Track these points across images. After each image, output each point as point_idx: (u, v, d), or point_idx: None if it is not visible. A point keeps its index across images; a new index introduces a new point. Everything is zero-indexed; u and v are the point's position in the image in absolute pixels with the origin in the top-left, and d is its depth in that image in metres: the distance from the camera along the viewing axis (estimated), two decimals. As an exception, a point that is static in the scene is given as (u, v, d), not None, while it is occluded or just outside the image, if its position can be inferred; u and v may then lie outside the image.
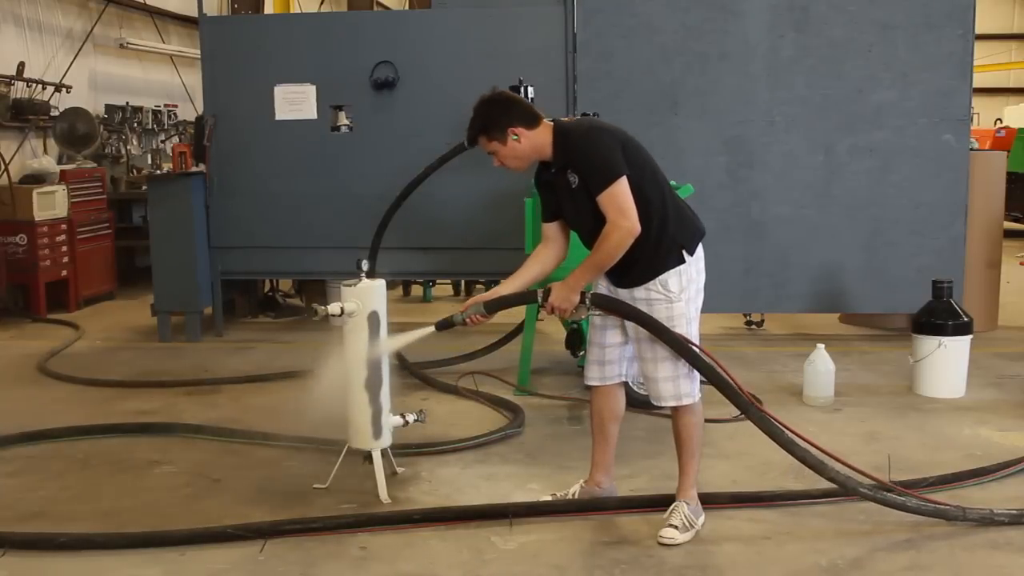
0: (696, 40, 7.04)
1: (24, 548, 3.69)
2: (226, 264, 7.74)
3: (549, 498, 4.09)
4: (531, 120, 3.75)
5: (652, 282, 3.72)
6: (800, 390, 5.71)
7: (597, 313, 3.82)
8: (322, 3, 15.65)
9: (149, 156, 10.63)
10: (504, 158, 3.79)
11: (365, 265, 4.24)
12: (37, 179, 9.03)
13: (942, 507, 3.76)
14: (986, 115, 20.74)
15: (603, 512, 3.98)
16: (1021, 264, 11.35)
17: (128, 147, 10.59)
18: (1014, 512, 3.79)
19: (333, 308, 4.12)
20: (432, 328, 3.95)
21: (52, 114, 9.65)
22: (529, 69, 6.77)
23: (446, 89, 7.26)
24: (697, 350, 3.69)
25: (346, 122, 7.47)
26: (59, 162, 9.65)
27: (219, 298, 7.79)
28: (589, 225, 3.69)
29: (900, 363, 6.15)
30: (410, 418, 4.39)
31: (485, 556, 3.64)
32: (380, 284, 4.24)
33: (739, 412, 3.74)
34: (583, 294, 3.72)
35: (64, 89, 9.96)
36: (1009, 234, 10.03)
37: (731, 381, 3.67)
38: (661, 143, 6.97)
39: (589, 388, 4.05)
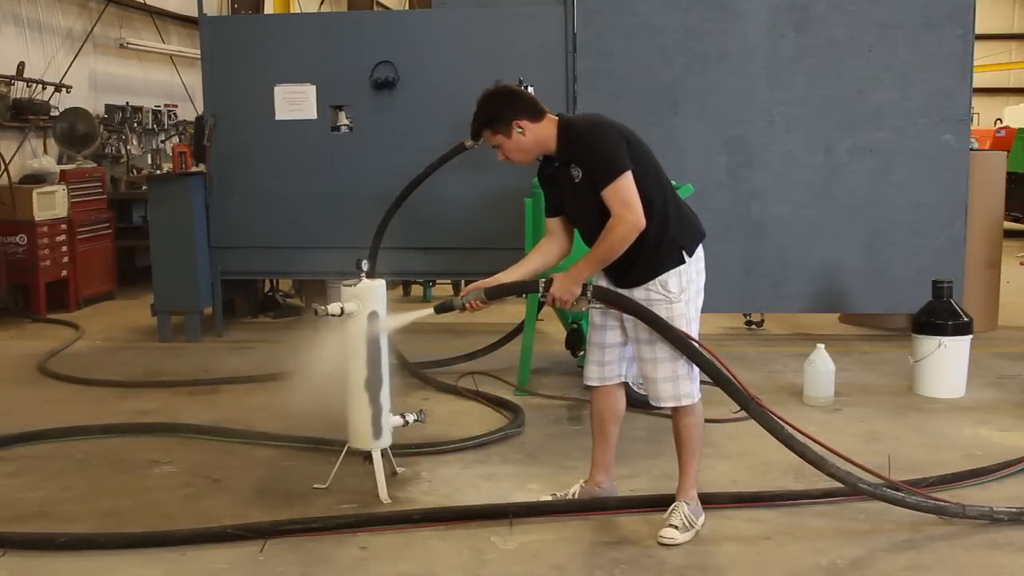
0: (696, 40, 7.04)
1: (24, 548, 3.69)
2: (226, 264, 7.74)
3: (549, 498, 4.09)
4: (536, 113, 3.75)
5: (652, 282, 3.72)
6: (800, 390, 5.71)
7: (598, 306, 3.81)
8: (322, 3, 15.65)
9: (149, 156, 10.63)
10: (508, 151, 3.79)
11: (365, 265, 4.24)
12: (37, 179, 9.03)
13: (941, 503, 3.76)
14: (986, 115, 20.74)
15: (603, 512, 3.98)
16: (1021, 264, 11.35)
17: (128, 147, 10.59)
18: (1014, 510, 3.79)
19: (333, 308, 4.12)
20: (431, 310, 3.94)
21: (52, 114, 9.65)
22: (529, 69, 6.77)
23: (446, 89, 7.26)
24: (697, 346, 3.68)
25: (346, 122, 7.47)
26: (59, 162, 9.65)
27: (219, 298, 7.79)
28: (591, 221, 3.68)
29: (900, 363, 6.15)
30: (410, 418, 4.39)
31: (485, 556, 3.64)
32: (380, 284, 4.24)
33: (738, 409, 3.74)
34: (584, 286, 3.71)
35: (64, 89, 9.96)
36: (1009, 234, 10.03)
37: (731, 377, 3.67)
38: (661, 143, 6.91)
39: (589, 388, 4.05)
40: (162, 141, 11.39)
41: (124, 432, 5.19)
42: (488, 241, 7.20)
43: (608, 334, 3.89)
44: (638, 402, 5.25)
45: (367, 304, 4.14)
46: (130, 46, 11.37)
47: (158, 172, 9.10)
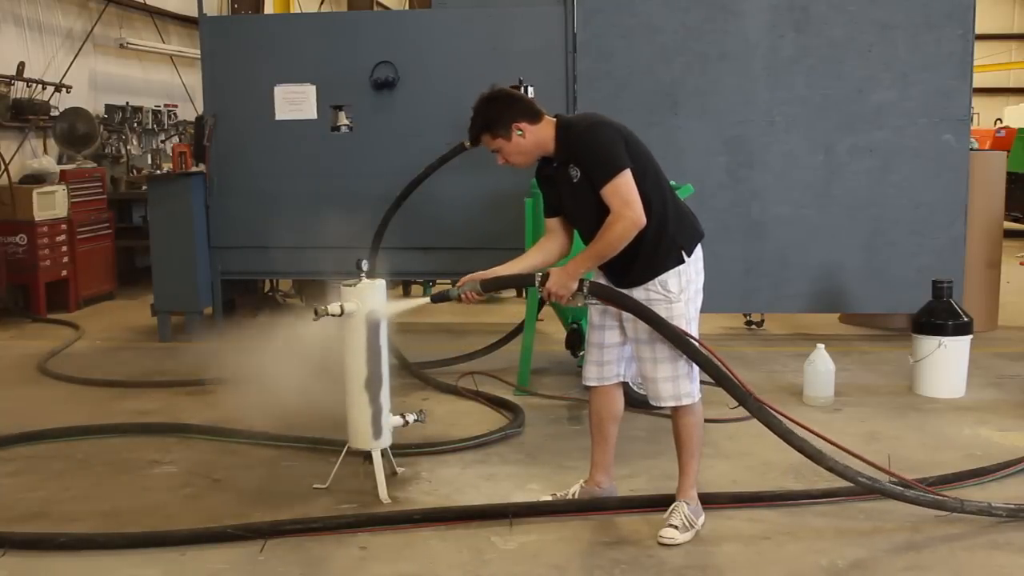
0: (696, 40, 7.04)
1: (24, 548, 3.69)
2: (226, 264, 7.74)
3: (549, 498, 4.09)
4: (534, 115, 3.75)
5: (651, 282, 3.72)
6: (800, 390, 5.71)
7: (593, 302, 3.81)
8: (322, 3, 15.65)
9: (149, 156, 10.63)
10: (508, 154, 3.79)
11: (365, 265, 4.24)
12: (37, 179, 9.03)
13: (940, 498, 3.75)
14: (986, 115, 20.74)
15: (603, 512, 3.98)
16: (1021, 264, 11.35)
17: (128, 147, 10.59)
18: (1012, 507, 3.79)
19: (333, 308, 4.12)
20: (427, 300, 3.96)
21: (52, 114, 9.64)
22: (529, 69, 6.77)
23: (446, 89, 7.26)
24: (696, 343, 3.67)
25: (346, 122, 7.47)
26: (59, 162, 9.65)
27: (219, 298, 7.79)
28: (590, 220, 3.68)
29: (900, 363, 6.15)
30: (410, 418, 4.39)
31: (485, 556, 3.64)
32: (380, 284, 4.25)
33: (736, 405, 3.73)
34: (581, 282, 3.70)
35: (64, 89, 9.96)
36: (1009, 234, 10.03)
37: (729, 373, 3.66)
38: (661, 143, 6.93)
39: (588, 388, 4.05)
40: (162, 141, 11.39)
41: (124, 432, 5.19)
42: (488, 241, 7.19)
43: (607, 334, 3.89)
44: (638, 402, 5.25)
45: (367, 304, 4.15)
46: (130, 46, 11.37)
47: (158, 172, 9.11)
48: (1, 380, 6.52)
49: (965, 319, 5.73)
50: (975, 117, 15.57)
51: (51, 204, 8.85)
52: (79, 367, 6.65)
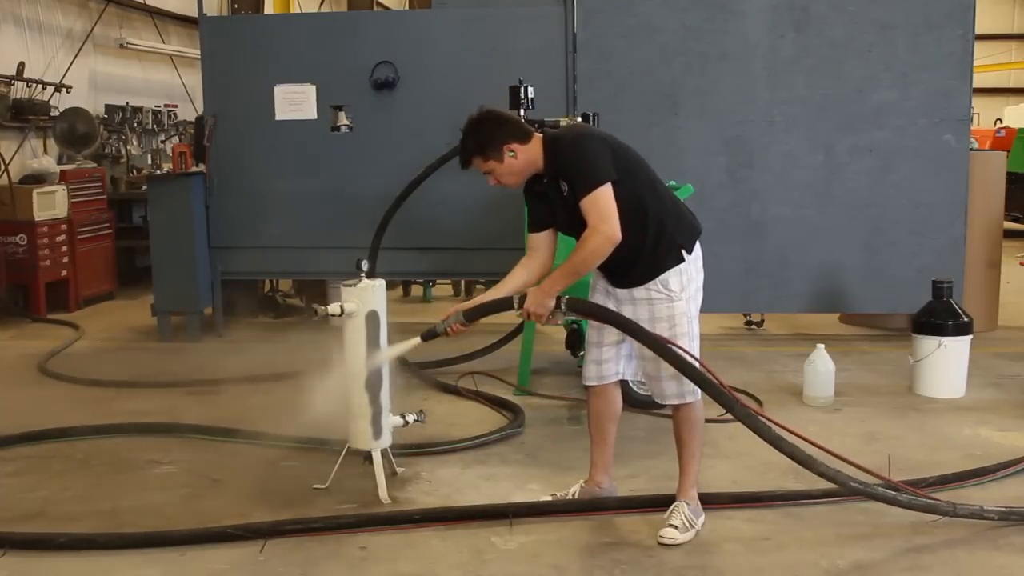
0: (696, 40, 7.04)
1: (24, 548, 3.69)
2: (226, 264, 7.73)
3: (549, 498, 4.10)
4: (524, 135, 3.74)
5: (652, 282, 3.72)
6: (800, 390, 5.71)
7: (573, 318, 3.81)
8: (322, 3, 15.65)
9: (149, 156, 10.63)
10: (501, 176, 3.78)
11: (365, 265, 4.24)
12: (37, 179, 9.03)
13: (932, 502, 3.73)
14: (986, 115, 20.73)
15: (603, 512, 3.99)
16: (1021, 264, 11.35)
17: (128, 147, 10.59)
18: (1003, 509, 3.77)
19: (333, 308, 4.13)
20: (418, 339, 3.97)
21: (52, 114, 9.64)
22: (529, 69, 6.76)
23: (446, 89, 7.27)
24: (680, 351, 3.62)
25: (346, 122, 7.47)
26: (59, 162, 9.65)
27: (219, 298, 7.78)
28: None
29: (900, 363, 6.15)
30: (410, 418, 4.39)
31: (485, 556, 3.64)
32: (380, 284, 4.25)
33: (725, 412, 3.69)
34: (559, 299, 3.69)
35: (64, 89, 9.96)
36: (1009, 234, 10.03)
37: (715, 380, 3.62)
38: (661, 143, 7.01)
39: (587, 388, 4.05)
40: (162, 141, 11.39)
41: (124, 432, 5.19)
42: (488, 241, 7.20)
43: (605, 333, 3.89)
44: (638, 402, 5.27)
45: (367, 304, 4.15)
46: (130, 46, 11.37)
47: (158, 172, 9.10)
48: (1, 380, 6.52)
49: (965, 319, 5.73)
50: (975, 117, 15.56)
51: (51, 204, 8.85)
52: (79, 367, 6.65)
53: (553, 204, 3.76)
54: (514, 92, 6.26)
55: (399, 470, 4.47)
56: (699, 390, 3.78)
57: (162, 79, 12.22)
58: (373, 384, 4.19)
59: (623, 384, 4.12)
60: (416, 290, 9.73)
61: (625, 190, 3.62)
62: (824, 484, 3.90)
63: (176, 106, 11.93)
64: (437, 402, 5.68)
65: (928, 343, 5.71)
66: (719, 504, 4.01)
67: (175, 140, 11.33)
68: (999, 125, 17.39)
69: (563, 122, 6.33)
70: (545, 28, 7.24)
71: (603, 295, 3.89)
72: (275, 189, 7.56)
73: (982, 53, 12.77)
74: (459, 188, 7.17)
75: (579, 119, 6.25)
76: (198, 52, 8.06)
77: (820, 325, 7.74)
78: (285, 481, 4.44)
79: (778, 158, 7.09)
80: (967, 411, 5.45)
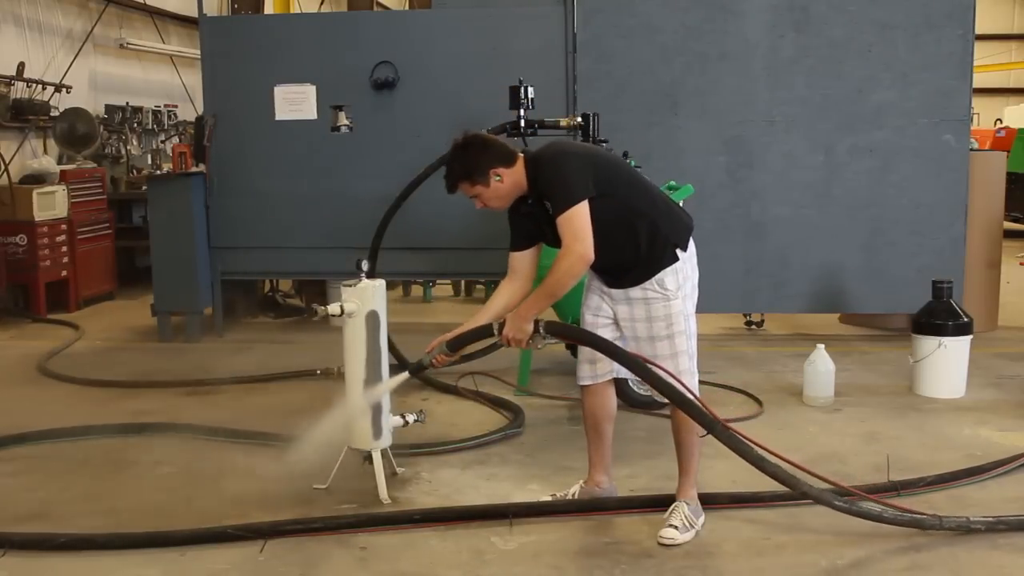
0: (696, 40, 7.04)
1: (24, 548, 3.69)
2: (226, 264, 7.73)
3: (549, 498, 4.10)
4: (509, 159, 3.74)
5: (648, 281, 3.73)
6: (800, 390, 5.71)
7: (552, 341, 3.81)
8: (322, 3, 15.65)
9: (149, 156, 10.62)
10: (488, 200, 3.79)
11: (365, 265, 4.24)
12: (37, 179, 9.03)
13: (918, 516, 3.70)
14: (986, 115, 20.74)
15: (603, 512, 3.98)
16: (1021, 264, 11.35)
17: (128, 147, 10.59)
18: (990, 519, 3.76)
19: (333, 308, 4.13)
20: (406, 374, 4.05)
21: (52, 114, 9.64)
22: (529, 69, 6.76)
23: (446, 89, 7.27)
24: (659, 370, 3.60)
25: (346, 122, 7.46)
26: (59, 162, 9.65)
27: (219, 298, 7.78)
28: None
29: (900, 363, 6.15)
30: (410, 418, 4.39)
31: (485, 556, 3.64)
32: (380, 284, 4.25)
33: (705, 433, 3.64)
34: (536, 323, 3.69)
35: (64, 89, 9.96)
36: (1009, 234, 10.03)
37: (695, 400, 3.61)
38: (661, 143, 7.02)
39: (581, 388, 4.04)
40: (162, 141, 11.38)
41: (124, 432, 5.19)
42: (488, 241, 7.18)
43: (600, 332, 3.88)
44: (638, 402, 5.27)
45: (367, 304, 4.15)
46: (130, 46, 11.37)
47: (158, 172, 9.10)
48: (1, 380, 6.52)
49: (965, 319, 5.73)
50: (975, 117, 15.56)
51: (51, 204, 8.85)
52: (79, 367, 6.65)
53: (540, 222, 3.75)
54: (514, 92, 6.25)
55: (399, 470, 4.48)
56: (697, 388, 3.80)
57: (162, 79, 12.22)
58: (373, 385, 4.19)
59: (623, 384, 4.12)
60: (416, 290, 9.73)
61: (613, 200, 3.64)
62: (824, 484, 3.90)
63: (176, 106, 11.93)
64: (437, 402, 5.68)
65: (928, 343, 5.71)
66: (719, 504, 4.01)
67: (175, 140, 11.33)
68: (999, 125, 17.39)
69: (563, 122, 6.35)
70: (545, 28, 7.24)
71: (598, 294, 3.90)
72: (275, 189, 7.56)
73: (982, 53, 12.77)
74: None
75: (579, 119, 6.25)
76: (198, 52, 8.06)
77: (820, 325, 7.74)
78: (285, 481, 4.43)
79: (778, 158, 7.09)
80: (967, 411, 5.45)
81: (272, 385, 6.21)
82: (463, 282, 9.65)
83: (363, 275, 4.21)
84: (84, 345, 7.59)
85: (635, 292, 3.76)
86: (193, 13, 8.80)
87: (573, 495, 4.08)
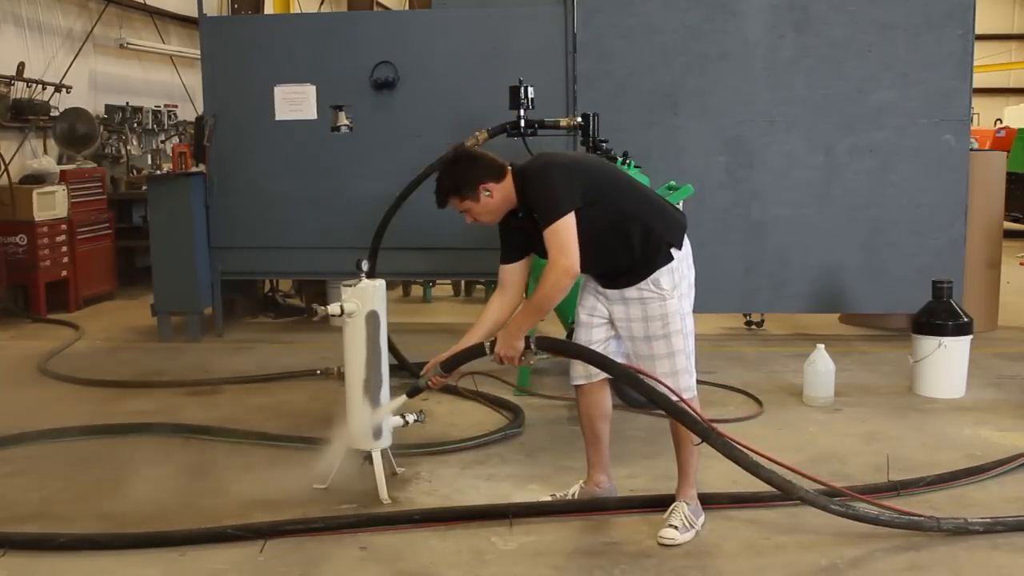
0: (696, 40, 7.04)
1: (24, 548, 3.69)
2: (226, 264, 7.73)
3: (549, 498, 4.10)
4: (498, 173, 3.75)
5: (644, 281, 3.73)
6: (800, 390, 5.71)
7: (545, 357, 3.83)
8: (322, 3, 15.65)
9: (149, 156, 10.62)
10: (478, 215, 3.81)
11: (365, 265, 4.24)
12: (37, 179, 9.03)
13: (916, 519, 3.71)
14: (986, 115, 20.74)
15: (603, 512, 3.99)
16: (1021, 264, 11.35)
17: (128, 147, 10.58)
18: (988, 520, 3.76)
19: (333, 308, 4.14)
20: (404, 397, 4.06)
21: (52, 114, 9.64)
22: (529, 69, 6.76)
23: (446, 89, 7.27)
24: (650, 380, 3.62)
25: (346, 122, 7.46)
26: (59, 162, 9.64)
27: (219, 298, 7.78)
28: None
29: (900, 363, 6.15)
30: (410, 418, 4.39)
31: (485, 556, 3.64)
32: (380, 284, 4.25)
33: (700, 441, 3.65)
34: (527, 339, 3.70)
35: (64, 89, 9.96)
36: (1009, 234, 10.03)
37: (688, 408, 3.62)
38: (661, 143, 7.01)
39: (575, 388, 4.04)
40: (162, 141, 11.38)
41: (124, 432, 5.19)
42: (488, 241, 7.09)
43: (595, 331, 3.89)
44: (638, 402, 5.27)
45: (367, 304, 4.15)
46: (130, 46, 11.37)
47: (158, 172, 9.09)
48: (1, 380, 6.52)
49: (965, 319, 5.73)
50: (975, 117, 15.56)
51: (51, 204, 8.85)
52: (79, 367, 6.65)
53: (531, 235, 3.74)
54: (514, 92, 6.25)
55: (399, 470, 4.48)
56: (694, 387, 3.81)
57: (162, 79, 12.22)
58: (373, 385, 4.19)
59: (623, 384, 4.12)
60: (416, 290, 9.73)
61: (603, 206, 3.65)
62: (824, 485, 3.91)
63: (176, 106, 11.93)
64: (437, 402, 5.68)
65: (928, 343, 5.71)
66: (719, 504, 4.01)
67: (175, 140, 11.32)
68: (999, 125, 17.39)
69: (563, 122, 6.35)
70: (545, 28, 7.24)
71: (593, 294, 3.90)
72: (275, 189, 7.56)
73: (982, 53, 12.76)
74: (459, 188, 7.17)
75: (579, 119, 6.25)
76: (198, 52, 8.05)
77: (820, 325, 7.74)
78: (285, 481, 4.43)
79: (778, 158, 7.09)
80: (967, 411, 5.45)
81: (272, 385, 6.21)
82: (463, 282, 9.65)
83: (363, 275, 4.21)
84: (84, 345, 7.59)
85: (631, 292, 3.76)
86: (193, 13, 8.79)
87: (573, 495, 4.08)
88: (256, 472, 4.58)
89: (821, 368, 5.60)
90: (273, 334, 7.91)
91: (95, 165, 9.96)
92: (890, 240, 7.07)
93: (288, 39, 7.59)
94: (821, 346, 5.65)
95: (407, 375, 6.05)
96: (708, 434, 3.54)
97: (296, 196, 7.53)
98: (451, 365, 3.84)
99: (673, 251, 3.73)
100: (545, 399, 5.78)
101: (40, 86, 9.65)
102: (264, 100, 7.48)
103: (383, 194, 6.58)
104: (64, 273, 8.99)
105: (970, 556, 3.58)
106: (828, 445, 4.90)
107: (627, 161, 5.82)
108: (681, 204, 5.48)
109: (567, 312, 5.93)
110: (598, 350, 3.87)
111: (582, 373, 3.97)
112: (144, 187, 8.83)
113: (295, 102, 7.47)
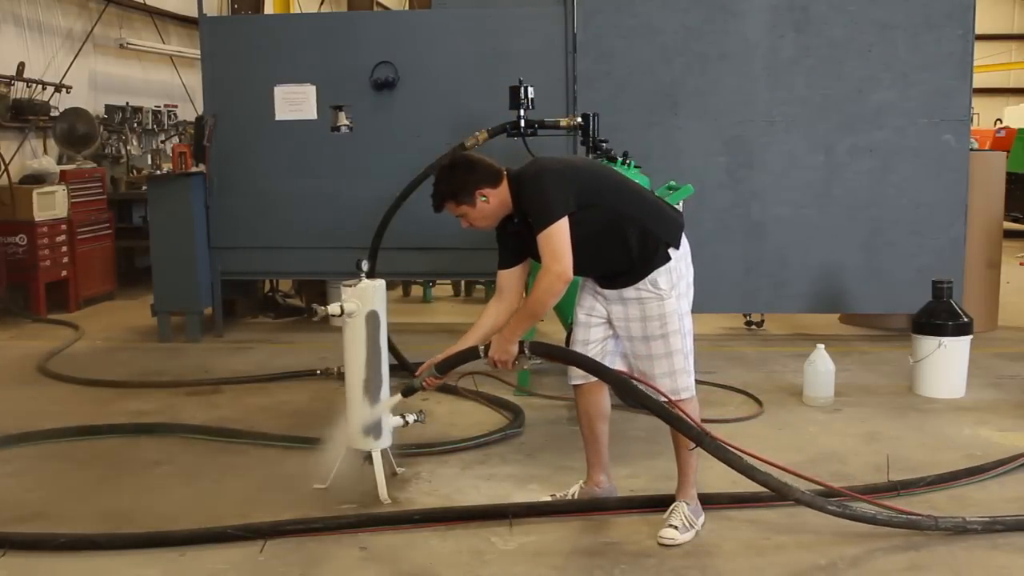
0: (696, 40, 7.04)
1: (24, 548, 3.69)
2: (226, 264, 7.73)
3: (549, 498, 4.10)
4: (495, 179, 3.75)
5: (642, 282, 3.73)
6: (800, 390, 5.71)
7: (538, 361, 3.84)
8: (322, 3, 15.66)
9: (149, 156, 10.61)
10: (474, 220, 3.81)
11: (365, 265, 4.24)
12: (37, 179, 9.03)
13: (914, 518, 3.71)
14: (986, 115, 20.75)
15: (603, 512, 3.99)
16: (1021, 264, 11.35)
17: (128, 147, 10.58)
18: (986, 520, 3.76)
19: (333, 308, 4.14)
20: (399, 396, 4.08)
21: (52, 114, 9.64)
22: (529, 69, 6.76)
23: (446, 89, 7.27)
24: (642, 386, 3.65)
25: (346, 122, 7.46)
26: (59, 162, 9.64)
27: (219, 298, 7.78)
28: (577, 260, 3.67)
29: (900, 363, 6.15)
30: (410, 418, 4.39)
31: (485, 556, 3.64)
32: (380, 284, 4.25)
33: (694, 447, 3.68)
34: (521, 343, 3.70)
35: (64, 89, 9.96)
36: (1009, 234, 10.03)
37: (683, 414, 3.63)
38: (661, 143, 7.01)
39: (574, 388, 4.05)
40: (162, 141, 11.38)
41: (124, 432, 5.19)
42: (487, 242, 7.06)
43: (592, 331, 3.89)
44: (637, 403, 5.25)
45: (367, 304, 4.15)
46: (130, 46, 11.37)
47: (158, 172, 9.09)
48: (1, 380, 6.52)
49: (965, 319, 5.73)
50: (975, 117, 15.57)
51: (51, 204, 8.85)
52: (79, 367, 6.65)
53: (527, 240, 3.74)
54: (514, 92, 6.25)
55: (399, 470, 4.48)
56: (693, 386, 3.82)
57: (162, 79, 12.23)
58: (372, 385, 4.19)
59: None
60: (416, 290, 9.73)
61: (600, 209, 3.66)
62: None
63: (176, 106, 11.93)
64: (437, 402, 5.68)
65: (928, 343, 5.71)
66: (719, 504, 4.01)
67: (175, 140, 11.32)
68: (999, 125, 17.39)
69: (563, 123, 6.35)
70: (545, 28, 7.24)
71: (591, 294, 3.90)
72: (275, 189, 7.56)
73: (982, 53, 12.77)
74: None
75: (579, 119, 6.25)
76: (198, 52, 8.06)
77: (820, 325, 7.74)
78: (285, 481, 4.44)
79: (778, 158, 7.09)
80: (967, 411, 5.45)
81: (272, 385, 6.21)
82: (463, 282, 9.64)
83: (363, 275, 4.21)
84: (84, 345, 7.59)
85: (629, 292, 3.76)
86: (193, 13, 8.80)
87: (573, 495, 4.08)
88: (256, 472, 4.58)
89: (821, 368, 5.60)
90: (273, 334, 7.91)
91: (95, 165, 9.96)
92: (890, 240, 7.07)
93: (288, 39, 7.59)
94: (821, 346, 5.65)
95: (407, 375, 6.05)
96: (702, 439, 3.56)
97: (296, 196, 7.53)
98: (446, 367, 3.85)
99: (671, 251, 3.73)
100: (545, 399, 5.78)
101: (40, 86, 9.66)
102: (264, 100, 7.48)
103: (383, 194, 6.58)
104: (64, 273, 8.99)
105: (970, 556, 3.58)
106: (828, 445, 4.90)
107: (627, 161, 5.82)
108: (681, 204, 5.48)
109: (566, 312, 5.94)
110: (596, 349, 3.88)
111: (580, 373, 3.96)
112: (144, 187, 8.83)
113: (295, 102, 7.47)
